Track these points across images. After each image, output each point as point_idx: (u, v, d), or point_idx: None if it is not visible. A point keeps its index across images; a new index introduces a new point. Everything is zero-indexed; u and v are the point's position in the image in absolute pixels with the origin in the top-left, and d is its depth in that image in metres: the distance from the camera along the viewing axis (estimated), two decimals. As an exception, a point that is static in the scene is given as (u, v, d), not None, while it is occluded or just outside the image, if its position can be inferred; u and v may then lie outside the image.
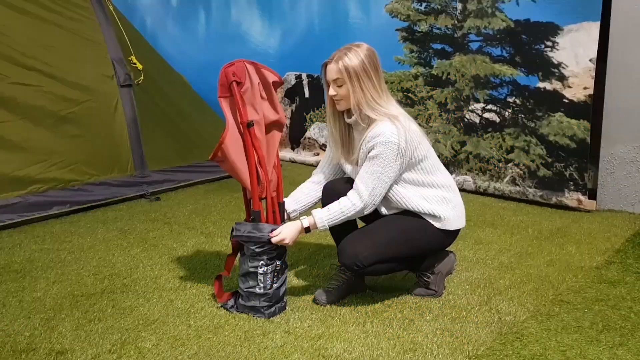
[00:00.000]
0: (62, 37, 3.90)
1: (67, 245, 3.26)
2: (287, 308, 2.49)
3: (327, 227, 2.42)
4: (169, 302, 2.56)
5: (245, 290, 2.43)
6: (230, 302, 2.50)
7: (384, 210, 2.53)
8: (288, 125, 5.23)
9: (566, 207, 3.83)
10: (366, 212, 2.43)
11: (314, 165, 5.00)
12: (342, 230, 2.54)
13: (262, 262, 2.38)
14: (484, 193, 4.15)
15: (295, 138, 5.26)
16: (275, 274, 2.41)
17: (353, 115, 2.44)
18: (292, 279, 2.79)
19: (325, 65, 2.44)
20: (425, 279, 2.60)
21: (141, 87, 4.19)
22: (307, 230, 2.42)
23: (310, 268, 2.94)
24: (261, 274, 2.39)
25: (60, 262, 3.02)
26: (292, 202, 2.63)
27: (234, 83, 2.34)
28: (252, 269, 2.39)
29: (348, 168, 2.56)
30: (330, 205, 2.43)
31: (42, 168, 3.63)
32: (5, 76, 3.57)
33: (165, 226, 3.55)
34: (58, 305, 2.54)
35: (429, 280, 2.59)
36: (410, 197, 2.46)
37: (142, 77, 4.20)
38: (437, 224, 2.47)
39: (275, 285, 2.42)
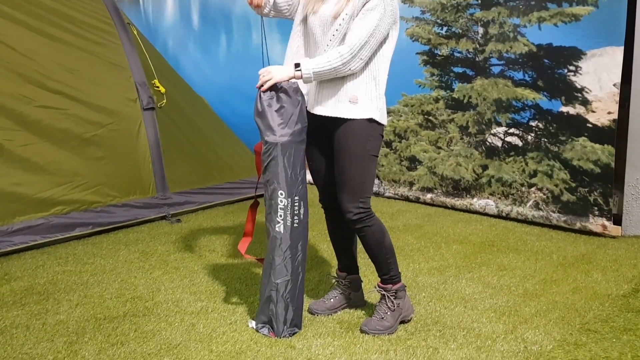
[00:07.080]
0: (86, 61, 3.95)
1: (89, 267, 3.27)
2: (309, 334, 2.47)
3: (312, 74, 2.32)
4: (191, 327, 2.56)
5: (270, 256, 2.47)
6: (252, 324, 2.54)
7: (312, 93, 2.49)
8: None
9: (591, 233, 3.77)
10: (352, 68, 2.33)
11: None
12: (340, 244, 2.68)
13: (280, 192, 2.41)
14: (507, 217, 4.11)
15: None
16: (294, 215, 2.44)
17: None
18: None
19: None
20: (391, 298, 2.51)
21: (163, 110, 4.23)
22: (297, 66, 2.34)
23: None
24: (281, 208, 2.42)
25: (82, 284, 3.03)
26: None
27: None
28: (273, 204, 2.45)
29: (313, 20, 2.45)
30: (317, 57, 2.38)
31: (65, 190, 3.66)
32: (31, 99, 3.62)
33: (186, 248, 3.56)
34: (81, 329, 2.54)
35: (395, 300, 2.51)
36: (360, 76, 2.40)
37: (164, 100, 4.24)
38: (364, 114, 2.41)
39: (293, 229, 2.43)
